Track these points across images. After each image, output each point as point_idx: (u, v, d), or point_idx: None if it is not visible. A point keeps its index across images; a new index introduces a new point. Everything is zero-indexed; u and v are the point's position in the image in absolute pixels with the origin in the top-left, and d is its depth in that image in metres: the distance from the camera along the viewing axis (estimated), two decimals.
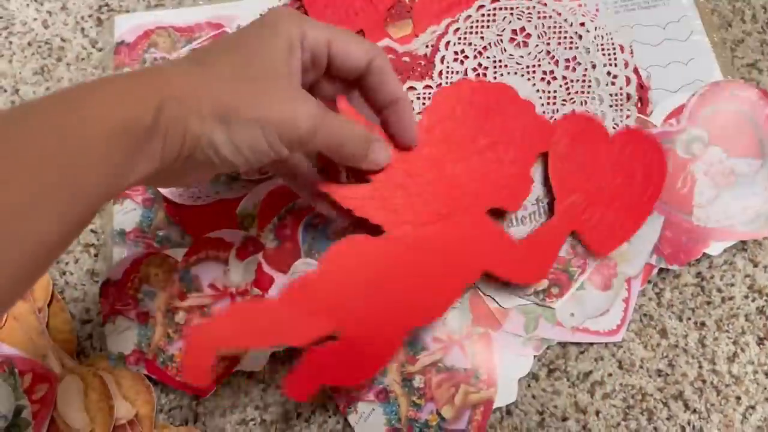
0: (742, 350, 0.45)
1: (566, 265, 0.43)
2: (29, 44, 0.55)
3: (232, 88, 0.30)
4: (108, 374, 0.44)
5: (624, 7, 0.54)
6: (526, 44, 0.46)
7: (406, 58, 0.47)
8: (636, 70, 0.48)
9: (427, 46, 0.48)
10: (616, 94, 0.46)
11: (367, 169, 0.38)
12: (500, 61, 0.47)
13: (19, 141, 0.25)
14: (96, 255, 0.48)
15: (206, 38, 0.48)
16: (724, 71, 0.51)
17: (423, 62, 0.47)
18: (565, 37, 0.46)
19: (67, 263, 0.48)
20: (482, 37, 0.47)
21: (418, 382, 0.42)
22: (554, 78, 0.46)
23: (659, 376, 0.44)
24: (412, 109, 0.39)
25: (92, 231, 0.49)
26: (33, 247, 0.25)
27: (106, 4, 0.57)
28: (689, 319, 0.45)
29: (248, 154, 0.31)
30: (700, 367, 0.44)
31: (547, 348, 0.44)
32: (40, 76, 0.54)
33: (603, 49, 0.46)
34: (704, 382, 0.44)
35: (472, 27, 0.47)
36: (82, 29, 0.56)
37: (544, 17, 0.46)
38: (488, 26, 0.47)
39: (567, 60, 0.46)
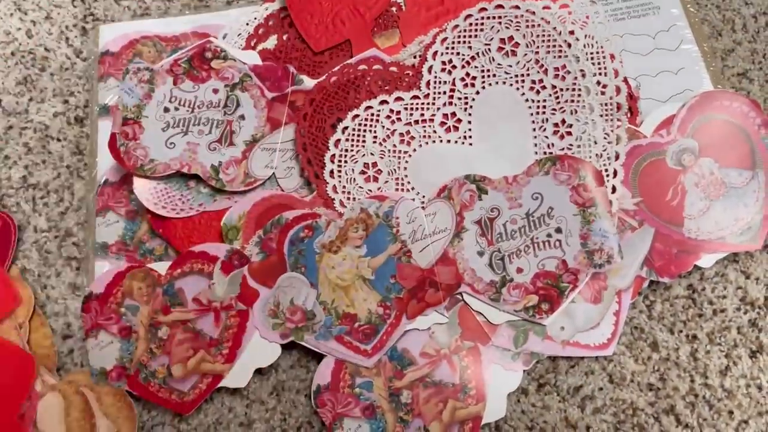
0: (735, 363, 0.44)
1: (557, 281, 0.42)
2: (12, 54, 0.54)
3: None
4: (90, 391, 0.43)
5: (614, 17, 0.53)
6: (514, 53, 0.46)
7: (394, 68, 0.47)
8: (625, 80, 0.47)
9: (414, 57, 0.47)
10: (606, 104, 0.45)
11: None
12: (488, 70, 0.46)
13: None
14: (78, 268, 0.47)
15: (191, 48, 0.47)
16: (714, 81, 0.51)
17: (410, 72, 0.46)
18: (554, 46, 0.45)
19: (48, 277, 0.47)
20: (470, 47, 0.46)
21: (405, 397, 0.42)
22: (543, 87, 0.45)
23: (650, 390, 0.43)
24: None
25: (74, 244, 0.48)
26: None
27: (91, 14, 0.56)
28: (681, 331, 0.45)
29: None
30: (692, 380, 0.44)
31: (537, 362, 0.43)
32: (23, 87, 0.53)
33: (592, 58, 0.46)
34: (696, 396, 0.43)
35: (459, 36, 0.46)
36: (67, 39, 0.55)
37: (533, 26, 0.46)
38: (476, 36, 0.46)
39: (556, 69, 0.45)
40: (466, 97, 0.46)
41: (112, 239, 0.47)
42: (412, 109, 0.45)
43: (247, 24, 0.52)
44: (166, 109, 0.46)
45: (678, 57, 0.52)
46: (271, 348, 0.43)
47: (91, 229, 0.47)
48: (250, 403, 0.44)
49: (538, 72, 0.45)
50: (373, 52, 0.48)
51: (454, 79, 0.46)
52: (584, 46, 0.46)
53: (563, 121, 0.45)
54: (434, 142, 0.45)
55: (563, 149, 0.45)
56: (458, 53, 0.46)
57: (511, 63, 0.46)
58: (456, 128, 0.45)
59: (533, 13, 0.46)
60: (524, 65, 0.46)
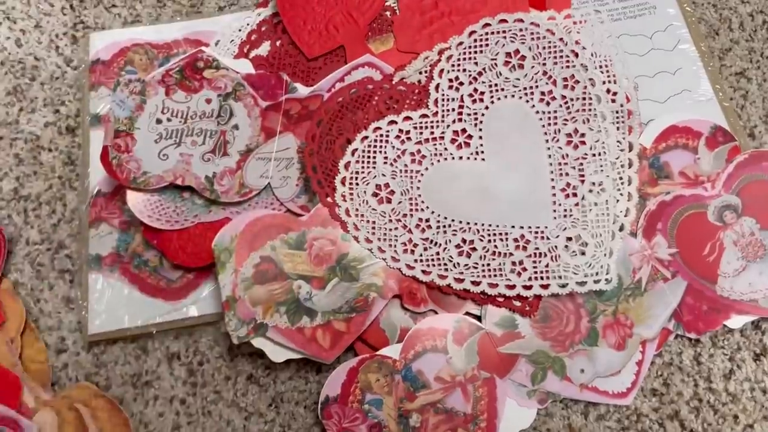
0: (739, 367, 0.43)
1: None
2: (2, 64, 0.54)
3: None
4: (84, 407, 0.42)
5: (610, 17, 0.53)
6: (521, 66, 0.45)
7: (402, 87, 0.46)
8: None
9: (420, 73, 0.47)
10: (617, 111, 0.45)
11: None
12: (496, 85, 0.45)
13: None
14: (71, 281, 0.47)
15: (183, 58, 0.47)
16: (713, 81, 0.50)
17: (418, 90, 0.46)
18: (561, 56, 0.45)
19: (41, 290, 0.46)
20: (476, 63, 0.46)
21: (414, 420, 0.41)
22: (553, 98, 0.45)
23: (654, 395, 0.43)
24: None
25: (67, 256, 0.47)
26: None
27: (81, 22, 0.55)
28: (683, 335, 0.44)
29: None
30: (696, 385, 0.43)
31: (552, 402, 0.43)
32: (14, 97, 0.52)
33: (600, 66, 0.45)
34: (700, 401, 0.43)
35: (465, 53, 0.46)
36: (57, 47, 0.54)
37: (538, 38, 0.45)
38: (481, 51, 0.46)
39: (565, 79, 0.45)
40: (475, 113, 0.45)
41: (105, 251, 0.46)
42: (421, 127, 0.45)
43: (240, 30, 0.52)
44: (159, 121, 0.46)
45: (675, 57, 0.51)
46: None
47: (84, 241, 0.47)
48: (249, 415, 0.43)
49: (547, 83, 0.45)
50: (368, 58, 0.48)
51: (462, 96, 0.45)
52: (591, 54, 0.45)
53: (576, 131, 0.44)
54: (446, 159, 0.44)
55: (578, 159, 0.44)
56: (464, 69, 0.45)
57: (518, 76, 0.45)
58: (467, 144, 0.45)
59: (537, 25, 0.45)
60: (532, 77, 0.45)
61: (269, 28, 0.51)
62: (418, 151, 0.44)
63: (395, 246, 0.43)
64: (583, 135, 0.44)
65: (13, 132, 0.51)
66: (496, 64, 0.45)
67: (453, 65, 0.46)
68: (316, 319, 0.42)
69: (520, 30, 0.45)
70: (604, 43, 0.45)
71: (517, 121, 0.45)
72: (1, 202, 0.49)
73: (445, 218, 0.43)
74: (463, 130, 0.45)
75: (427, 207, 0.44)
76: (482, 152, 0.44)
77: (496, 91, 0.45)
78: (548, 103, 0.45)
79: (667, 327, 0.43)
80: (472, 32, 0.46)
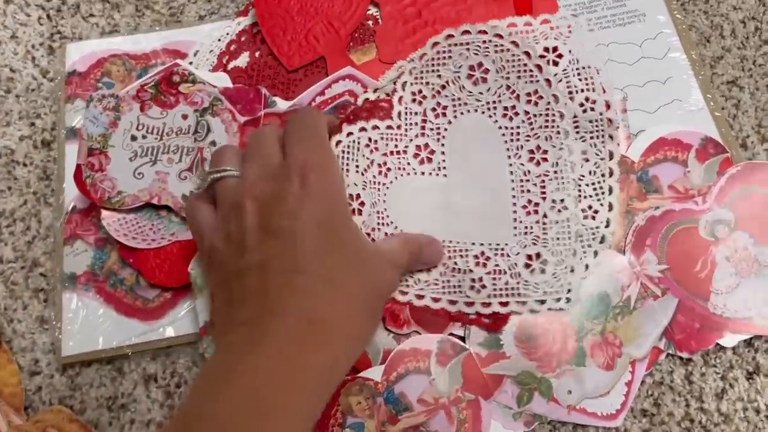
0: (731, 386, 0.42)
1: None
2: None
3: (362, 315, 0.36)
4: (56, 431, 0.41)
5: (598, 25, 0.52)
6: (485, 80, 0.44)
7: (372, 96, 0.45)
8: (603, 90, 0.46)
9: (394, 83, 0.45)
10: (596, 120, 0.43)
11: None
12: (459, 99, 0.44)
13: None
14: (45, 300, 0.45)
15: (158, 72, 0.45)
16: (704, 90, 0.49)
17: (386, 102, 0.44)
18: (525, 71, 0.43)
19: (15, 310, 0.45)
20: (439, 76, 0.44)
21: None
22: (516, 113, 0.43)
23: (644, 416, 0.42)
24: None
25: (41, 275, 0.46)
26: None
27: (58, 32, 0.54)
28: (674, 354, 0.43)
29: None
30: (687, 405, 0.42)
31: (539, 424, 0.41)
32: None
33: (579, 74, 0.44)
34: (692, 421, 0.42)
35: (428, 66, 0.44)
36: (33, 58, 0.53)
37: (501, 50, 0.43)
38: (445, 64, 0.44)
39: (528, 94, 0.43)
40: (438, 128, 0.44)
41: (80, 269, 0.45)
42: (387, 138, 0.43)
43: (220, 40, 0.50)
44: (134, 138, 0.44)
45: (666, 65, 0.50)
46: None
47: (58, 259, 0.45)
48: None
49: (510, 98, 0.43)
50: (349, 71, 0.46)
51: (425, 110, 0.44)
52: (569, 61, 0.44)
53: (538, 147, 0.43)
54: (408, 174, 0.43)
55: (539, 176, 0.43)
56: (427, 83, 0.44)
57: (482, 90, 0.44)
58: (429, 160, 0.44)
59: (501, 37, 0.44)
60: (495, 92, 0.44)
61: (249, 38, 0.50)
62: (384, 163, 0.43)
63: None
64: (545, 152, 0.43)
65: None
66: (459, 78, 0.44)
67: (416, 78, 0.44)
68: None
69: (483, 42, 0.44)
70: (584, 48, 0.44)
71: (479, 136, 0.44)
72: None
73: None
74: (426, 145, 0.44)
75: (392, 222, 0.42)
76: (444, 168, 0.43)
77: (459, 105, 0.44)
78: (511, 119, 0.44)
79: (658, 346, 0.42)
80: (435, 44, 0.44)
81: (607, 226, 0.43)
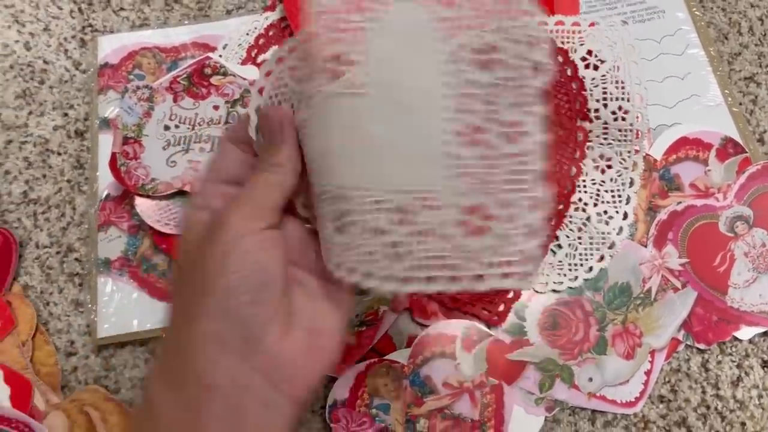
0: (747, 374, 0.43)
1: None
2: (11, 67, 0.54)
3: None
4: (94, 410, 0.43)
5: (616, 22, 0.52)
6: None
7: None
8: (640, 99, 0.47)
9: None
10: (625, 130, 0.44)
11: None
12: None
13: None
14: (80, 284, 0.47)
15: (190, 64, 0.47)
16: (722, 85, 0.50)
17: None
18: None
19: (51, 293, 0.47)
20: None
21: (421, 425, 0.41)
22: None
23: (661, 402, 0.43)
24: None
25: (76, 260, 0.48)
26: None
27: (90, 25, 0.56)
28: (692, 345, 0.44)
29: None
30: (704, 392, 0.43)
31: (560, 410, 0.42)
32: (23, 100, 0.53)
33: (616, 83, 0.44)
34: (708, 407, 0.43)
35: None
36: (65, 51, 0.55)
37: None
38: None
39: None
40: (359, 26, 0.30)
41: (114, 255, 0.46)
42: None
43: (248, 34, 0.52)
44: (167, 127, 0.46)
45: (684, 61, 0.51)
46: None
47: (93, 245, 0.47)
48: None
49: None
50: None
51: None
52: (610, 69, 0.44)
53: (487, 48, 0.28)
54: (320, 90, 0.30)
55: (490, 87, 0.28)
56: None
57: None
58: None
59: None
60: None
61: (277, 32, 0.51)
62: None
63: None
64: (497, 51, 0.28)
65: (22, 135, 0.51)
66: None
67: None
68: None
69: None
70: (627, 57, 0.44)
71: (410, 34, 0.29)
72: (11, 206, 0.49)
73: (322, 184, 0.29)
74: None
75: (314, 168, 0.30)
76: (364, 84, 0.28)
77: None
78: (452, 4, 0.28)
79: (676, 337, 0.43)
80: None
81: (618, 234, 0.43)
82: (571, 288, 0.43)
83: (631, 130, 0.44)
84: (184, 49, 0.53)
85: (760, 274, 0.44)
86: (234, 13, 0.55)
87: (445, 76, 0.28)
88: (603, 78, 0.44)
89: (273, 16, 0.52)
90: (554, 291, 0.43)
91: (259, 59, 0.50)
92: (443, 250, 0.28)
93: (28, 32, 0.55)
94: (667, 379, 0.43)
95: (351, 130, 0.29)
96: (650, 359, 0.43)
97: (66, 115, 0.52)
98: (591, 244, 0.43)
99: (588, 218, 0.43)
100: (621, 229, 0.44)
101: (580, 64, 0.44)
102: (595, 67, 0.44)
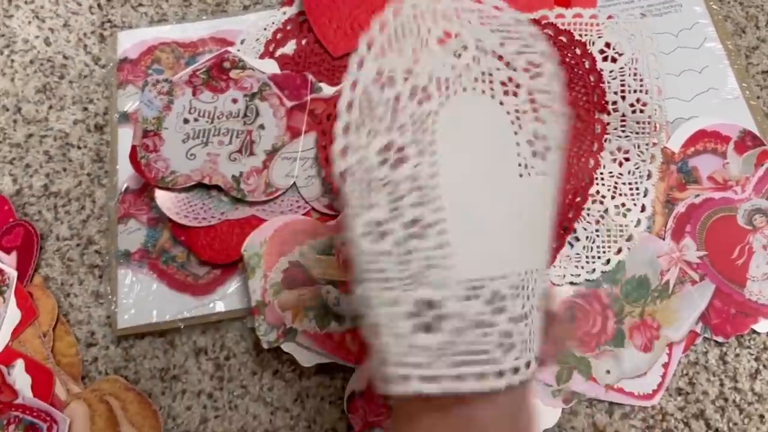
0: (765, 367, 0.43)
1: None
2: (31, 62, 0.54)
3: None
4: (114, 399, 0.43)
5: (634, 15, 0.52)
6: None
7: None
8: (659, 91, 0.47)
9: None
10: (643, 122, 0.44)
11: None
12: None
13: None
14: (100, 276, 0.47)
15: (210, 58, 0.47)
16: (739, 79, 0.50)
17: None
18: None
19: (71, 285, 0.47)
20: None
21: None
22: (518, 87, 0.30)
23: (679, 395, 0.43)
24: None
25: (96, 252, 0.48)
26: None
27: (109, 20, 0.56)
28: (710, 338, 0.44)
29: None
30: (722, 384, 0.43)
31: (577, 402, 0.42)
32: (43, 95, 0.53)
33: (635, 75, 0.44)
34: (726, 400, 0.43)
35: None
36: (85, 46, 0.55)
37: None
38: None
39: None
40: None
41: (134, 247, 0.47)
42: None
43: (265, 29, 0.52)
44: (186, 121, 0.46)
45: (702, 55, 0.51)
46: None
47: (112, 237, 0.48)
48: (275, 410, 0.44)
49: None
50: None
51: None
52: (628, 60, 0.44)
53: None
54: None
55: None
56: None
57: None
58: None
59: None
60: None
61: (294, 27, 0.52)
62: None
63: None
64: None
65: (42, 129, 0.52)
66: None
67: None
68: (345, 324, 0.42)
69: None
70: (645, 50, 0.44)
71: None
72: (32, 199, 0.50)
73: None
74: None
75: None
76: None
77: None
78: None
79: (694, 330, 0.43)
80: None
81: (636, 226, 0.43)
82: (588, 280, 0.43)
83: (649, 123, 0.44)
84: (202, 44, 0.53)
85: None
86: (251, 8, 0.56)
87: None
88: (621, 70, 0.44)
89: (290, 11, 0.52)
90: (571, 283, 0.43)
91: (277, 53, 0.51)
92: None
93: (48, 28, 0.56)
94: (684, 372, 0.43)
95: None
96: (668, 352, 0.42)
97: (86, 109, 0.53)
98: (609, 236, 0.43)
99: (606, 210, 0.43)
100: (639, 221, 0.44)
101: (598, 57, 0.44)
102: (613, 60, 0.44)
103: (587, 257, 0.44)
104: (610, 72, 0.44)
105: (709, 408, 0.42)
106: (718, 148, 0.47)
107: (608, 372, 0.42)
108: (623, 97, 0.44)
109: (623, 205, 0.44)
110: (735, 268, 0.44)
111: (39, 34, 0.56)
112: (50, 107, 0.53)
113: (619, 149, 0.45)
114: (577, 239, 0.44)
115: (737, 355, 0.44)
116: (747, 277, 0.44)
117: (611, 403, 0.43)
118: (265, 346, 0.42)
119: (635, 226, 0.44)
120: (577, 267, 0.43)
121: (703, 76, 0.50)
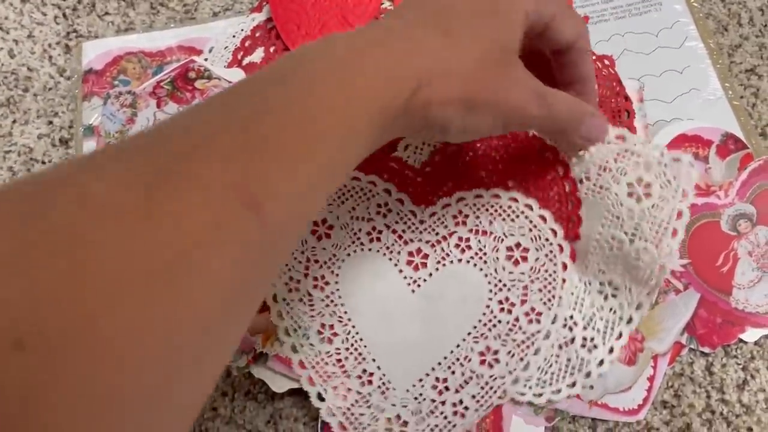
0: (753, 377, 0.42)
1: None
2: None
3: (478, 75, 0.30)
4: None
5: (614, 15, 0.51)
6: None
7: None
8: (619, 80, 0.46)
9: None
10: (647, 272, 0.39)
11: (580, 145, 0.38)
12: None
13: (304, 117, 0.26)
14: None
15: (174, 69, 0.46)
16: (722, 79, 0.49)
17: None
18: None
19: None
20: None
21: None
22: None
23: (665, 408, 0.41)
24: (595, 91, 0.38)
25: None
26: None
27: (74, 30, 0.54)
28: (696, 349, 0.43)
29: (469, 135, 0.33)
30: (708, 396, 0.42)
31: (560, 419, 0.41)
32: (6, 108, 0.52)
33: (652, 223, 0.39)
34: (713, 412, 0.41)
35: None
36: (50, 57, 0.54)
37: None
38: None
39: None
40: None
41: None
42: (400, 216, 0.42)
43: (234, 36, 0.51)
44: None
45: (683, 55, 0.50)
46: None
47: None
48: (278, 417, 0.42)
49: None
50: None
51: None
52: (651, 205, 0.39)
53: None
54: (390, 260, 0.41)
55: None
56: None
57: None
58: (418, 266, 0.42)
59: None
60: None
61: (263, 34, 0.50)
62: (377, 230, 0.42)
63: None
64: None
65: (6, 144, 0.50)
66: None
67: None
68: None
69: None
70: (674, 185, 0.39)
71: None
72: None
73: None
74: (419, 250, 0.41)
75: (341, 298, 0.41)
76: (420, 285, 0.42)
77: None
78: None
79: (680, 341, 0.42)
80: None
81: (599, 366, 0.40)
82: (531, 404, 0.40)
83: (649, 273, 0.39)
84: (170, 53, 0.52)
85: (764, 273, 0.43)
86: (221, 14, 0.54)
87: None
88: (641, 212, 0.39)
89: (259, 18, 0.51)
90: (513, 400, 0.40)
91: (245, 61, 0.49)
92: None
93: (12, 39, 0.54)
94: (670, 384, 0.42)
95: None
96: (653, 364, 0.41)
97: (51, 123, 0.51)
98: (567, 366, 0.40)
99: (572, 339, 0.40)
100: (602, 362, 0.40)
101: (623, 190, 0.39)
102: (638, 199, 0.39)
103: (539, 379, 0.40)
104: (629, 210, 0.39)
105: (696, 421, 0.41)
106: (699, 152, 0.46)
107: (592, 387, 0.40)
108: (631, 241, 0.39)
109: (592, 339, 0.40)
110: (720, 275, 0.43)
111: (3, 46, 0.54)
112: (14, 121, 0.51)
113: (609, 283, 0.41)
114: (536, 352, 0.40)
115: (724, 366, 0.42)
116: (732, 284, 0.43)
117: (595, 420, 0.41)
118: (233, 371, 0.41)
119: (597, 366, 0.40)
120: (525, 386, 0.40)
121: (685, 76, 0.49)
